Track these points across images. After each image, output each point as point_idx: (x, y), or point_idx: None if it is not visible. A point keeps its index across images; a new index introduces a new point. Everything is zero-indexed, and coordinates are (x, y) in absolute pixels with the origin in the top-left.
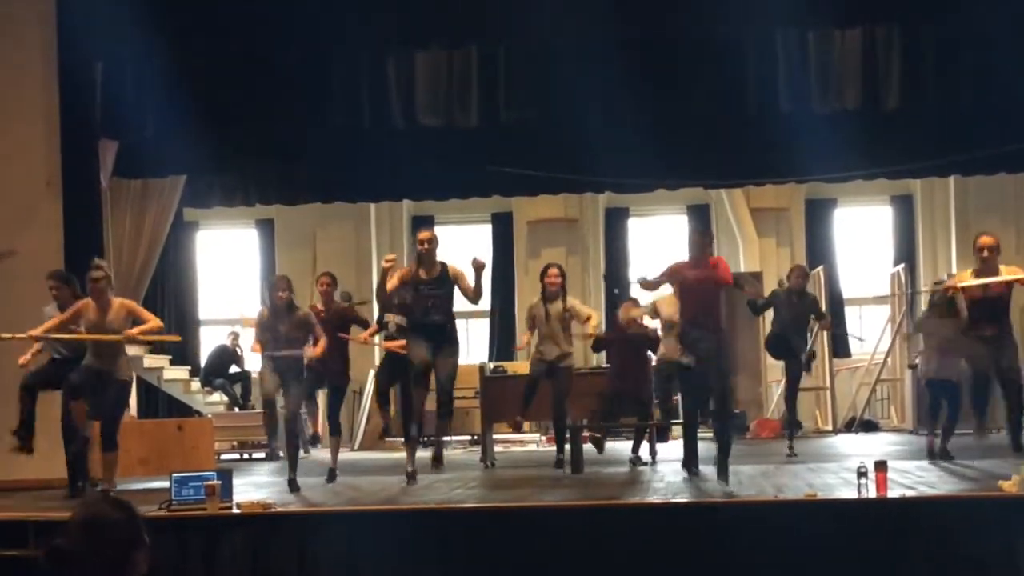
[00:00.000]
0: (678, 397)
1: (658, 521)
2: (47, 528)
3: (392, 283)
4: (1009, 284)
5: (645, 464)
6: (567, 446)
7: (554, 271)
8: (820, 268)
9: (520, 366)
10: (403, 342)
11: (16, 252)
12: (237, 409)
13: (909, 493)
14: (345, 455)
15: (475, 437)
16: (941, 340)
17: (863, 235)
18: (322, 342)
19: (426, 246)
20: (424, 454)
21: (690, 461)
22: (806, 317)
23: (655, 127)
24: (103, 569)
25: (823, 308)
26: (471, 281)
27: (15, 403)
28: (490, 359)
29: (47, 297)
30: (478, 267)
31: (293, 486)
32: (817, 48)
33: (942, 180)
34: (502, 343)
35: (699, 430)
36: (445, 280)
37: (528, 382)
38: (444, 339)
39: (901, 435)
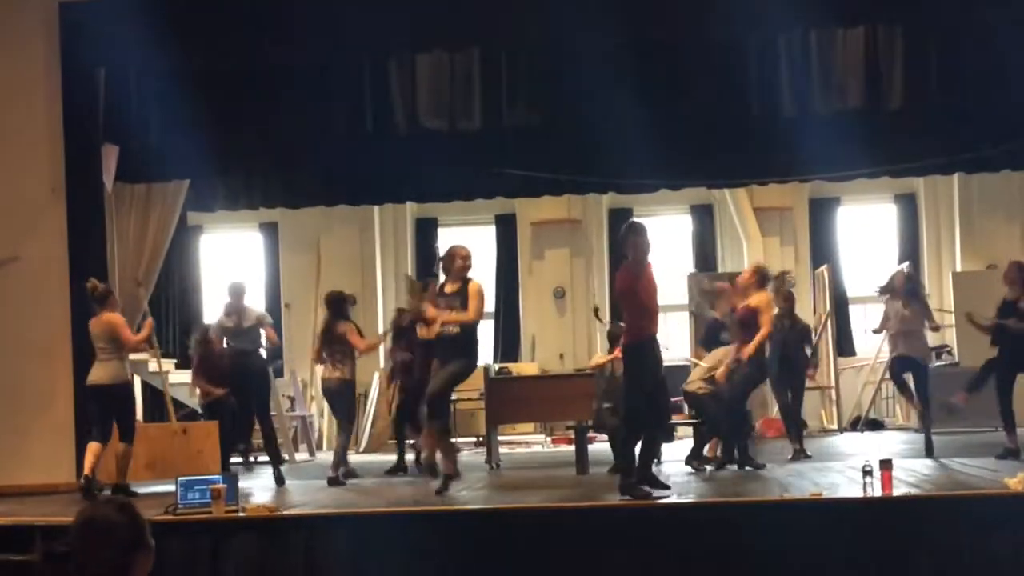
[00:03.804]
0: None
1: (663, 521)
2: (53, 532)
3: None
4: None
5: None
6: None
7: None
8: (824, 267)
9: (524, 367)
10: None
11: (19, 257)
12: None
13: (915, 492)
14: (351, 457)
15: (480, 438)
16: None
17: (867, 233)
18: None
19: (469, 263)
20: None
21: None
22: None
23: (657, 127)
24: (105, 572)
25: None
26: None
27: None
28: (494, 361)
29: (52, 301)
30: None
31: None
32: (819, 47)
33: (946, 178)
34: (506, 345)
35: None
36: (464, 294)
37: None
38: (455, 351)
39: (906, 433)
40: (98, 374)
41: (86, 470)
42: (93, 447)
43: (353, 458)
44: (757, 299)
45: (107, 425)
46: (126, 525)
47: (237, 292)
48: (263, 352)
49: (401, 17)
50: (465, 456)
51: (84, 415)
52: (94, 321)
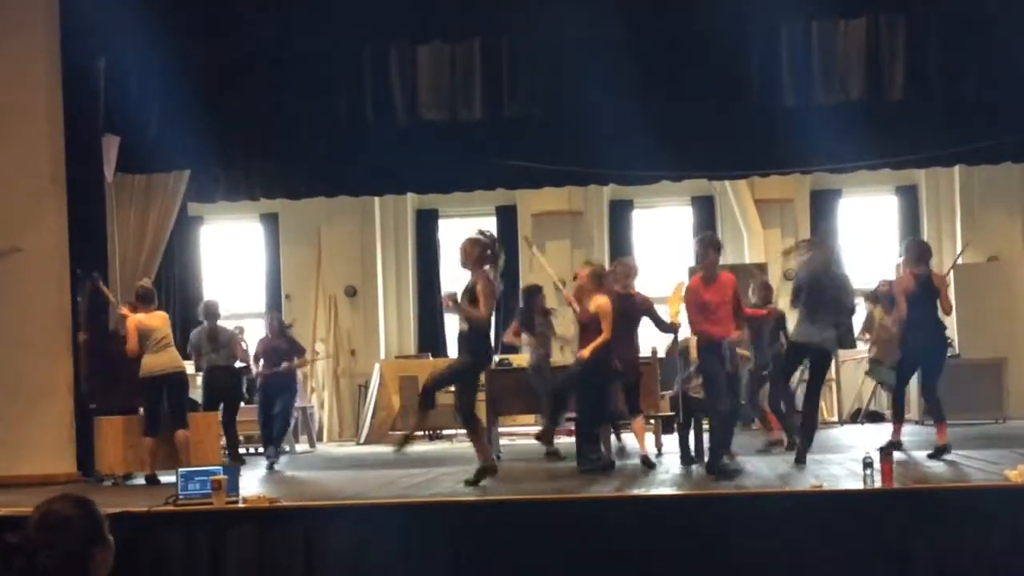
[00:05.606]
0: None
1: (665, 513)
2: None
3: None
4: None
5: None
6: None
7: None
8: None
9: (525, 359)
10: None
11: (19, 248)
12: (243, 404)
13: (915, 484)
14: (351, 449)
15: None
16: None
17: (868, 225)
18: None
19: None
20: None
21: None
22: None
23: (658, 119)
24: (62, 566)
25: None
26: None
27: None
28: (495, 352)
29: (52, 292)
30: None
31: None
32: (821, 38)
33: (947, 170)
34: None
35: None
36: (472, 291)
37: None
38: (463, 348)
39: (907, 426)
40: (161, 361)
41: (148, 469)
42: (148, 443)
43: (353, 450)
44: (596, 303)
45: (159, 417)
46: (82, 520)
47: (213, 312)
48: (238, 365)
49: (401, 7)
50: (465, 447)
51: (83, 406)
52: (154, 315)
